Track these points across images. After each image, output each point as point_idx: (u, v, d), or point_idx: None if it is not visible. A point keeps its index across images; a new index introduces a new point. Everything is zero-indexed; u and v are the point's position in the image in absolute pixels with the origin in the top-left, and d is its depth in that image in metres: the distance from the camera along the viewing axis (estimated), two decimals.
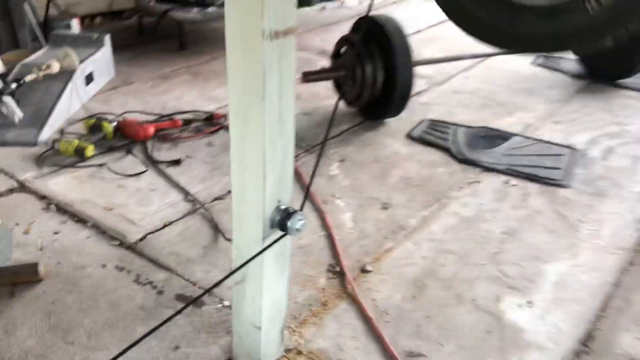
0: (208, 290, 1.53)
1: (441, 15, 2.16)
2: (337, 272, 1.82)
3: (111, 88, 3.13)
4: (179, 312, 1.19)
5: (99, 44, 3.13)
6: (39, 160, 2.35)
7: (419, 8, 4.94)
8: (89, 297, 1.67)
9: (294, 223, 1.24)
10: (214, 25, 4.11)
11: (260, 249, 1.25)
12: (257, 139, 1.16)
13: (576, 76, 3.49)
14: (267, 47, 1.06)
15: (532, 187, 2.32)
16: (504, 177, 2.38)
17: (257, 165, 1.19)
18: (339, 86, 2.78)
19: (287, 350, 1.52)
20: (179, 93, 3.10)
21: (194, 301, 1.62)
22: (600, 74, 3.42)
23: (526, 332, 1.62)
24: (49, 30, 3.40)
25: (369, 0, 5.23)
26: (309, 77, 2.62)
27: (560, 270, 1.87)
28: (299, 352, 1.53)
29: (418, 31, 4.25)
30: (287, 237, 1.29)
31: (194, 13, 3.68)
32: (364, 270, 1.84)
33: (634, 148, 2.66)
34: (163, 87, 3.18)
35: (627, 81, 3.35)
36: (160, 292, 1.70)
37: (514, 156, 2.51)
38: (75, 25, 3.57)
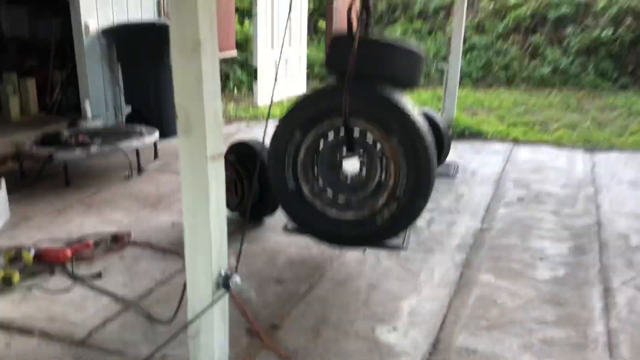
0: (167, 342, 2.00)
1: None
2: (254, 332, 2.37)
3: (12, 227, 3.43)
4: None
5: None
6: None
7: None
8: None
9: (234, 280, 1.83)
10: (94, 162, 4.60)
11: (210, 304, 1.81)
12: (205, 226, 1.76)
13: None
14: (209, 166, 1.71)
15: (382, 253, 3.10)
16: (361, 250, 3.14)
17: (205, 244, 1.78)
18: None
19: None
20: (79, 222, 3.51)
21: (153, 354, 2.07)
22: None
23: (396, 346, 2.30)
24: None
25: (227, 129, 6.05)
26: None
27: (411, 304, 2.61)
28: None
29: None
30: (226, 295, 1.87)
31: (77, 154, 4.15)
32: (274, 327, 2.41)
33: (447, 217, 3.62)
34: (62, 219, 3.57)
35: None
36: None
37: None
38: None
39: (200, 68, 1.62)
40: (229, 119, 6.44)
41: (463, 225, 3.50)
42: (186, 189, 1.76)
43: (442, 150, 4.38)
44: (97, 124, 5.42)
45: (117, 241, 3.16)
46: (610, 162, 4.81)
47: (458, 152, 5.01)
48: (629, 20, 7.68)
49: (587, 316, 2.51)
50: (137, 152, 4.45)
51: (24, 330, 2.36)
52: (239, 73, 7.63)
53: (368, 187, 2.83)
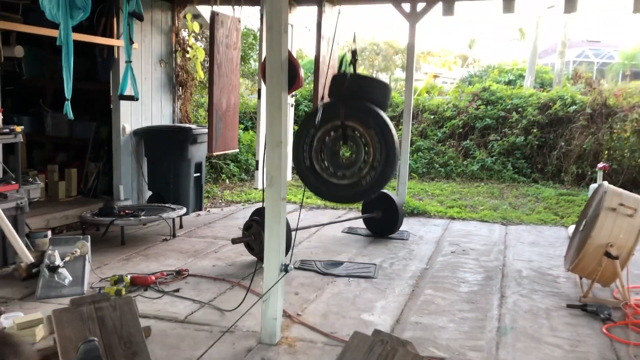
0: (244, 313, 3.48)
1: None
2: (287, 316, 3.84)
3: (97, 269, 4.82)
4: (221, 335, 3.20)
5: (85, 240, 4.89)
6: None
7: None
8: (179, 337, 3.45)
9: (289, 267, 3.38)
10: (135, 230, 6.04)
11: (277, 280, 3.34)
12: (277, 236, 3.33)
13: (367, 235, 6.15)
14: (281, 203, 3.31)
15: (361, 280, 4.65)
16: (346, 279, 4.69)
17: (276, 246, 3.34)
18: (249, 245, 4.96)
19: (281, 338, 3.49)
20: (144, 265, 4.93)
21: (230, 327, 3.53)
22: (379, 232, 6.12)
23: (374, 321, 3.82)
24: (29, 239, 5.04)
25: (227, 209, 7.60)
26: (235, 241, 4.79)
27: (382, 303, 4.15)
28: (286, 338, 3.51)
29: None
30: (285, 275, 3.40)
31: (132, 220, 5.62)
32: (298, 315, 3.90)
33: (403, 262, 5.22)
34: (130, 264, 4.98)
35: (393, 235, 6.09)
36: (210, 332, 3.55)
37: (349, 269, 4.87)
38: (50, 234, 5.26)
39: (280, 154, 3.27)
40: (227, 203, 8.01)
41: (414, 266, 5.11)
42: (268, 215, 3.34)
43: (398, 221, 6.08)
44: (128, 203, 6.91)
45: (180, 274, 4.62)
46: (519, 232, 6.59)
47: (409, 225, 6.70)
48: (535, 129, 9.89)
49: (488, 307, 4.11)
50: (173, 221, 5.95)
51: (142, 316, 3.77)
52: (231, 166, 9.30)
53: (356, 164, 4.43)
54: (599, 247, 4.12)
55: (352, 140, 4.51)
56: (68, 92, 4.36)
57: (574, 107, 9.60)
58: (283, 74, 3.24)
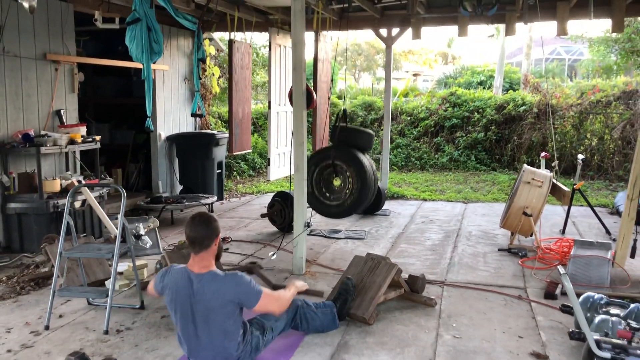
0: (279, 248, 5.28)
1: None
2: (307, 261, 5.64)
3: (160, 239, 6.57)
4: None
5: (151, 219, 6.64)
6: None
7: None
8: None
9: (310, 223, 5.18)
10: (176, 214, 7.80)
11: (302, 231, 5.13)
12: (301, 202, 5.13)
13: (358, 213, 7.97)
14: (303, 183, 5.11)
15: (355, 240, 6.46)
16: (345, 240, 6.49)
17: (301, 210, 5.14)
18: (272, 219, 6.75)
19: (305, 271, 5.29)
20: None
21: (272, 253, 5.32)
22: (367, 211, 7.93)
23: None
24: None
25: (243, 198, 9.35)
26: (264, 215, 6.57)
27: (372, 251, 5.96)
28: (308, 271, 5.31)
29: None
30: (307, 229, 5.21)
31: (178, 205, 7.36)
32: (314, 260, 5.70)
33: (385, 229, 7.05)
34: (184, 236, 6.72)
35: (378, 212, 7.91)
36: (261, 267, 5.33)
37: (346, 234, 6.68)
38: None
39: (303, 150, 5.07)
40: (242, 194, 9.78)
41: (393, 231, 6.94)
42: (296, 190, 5.13)
43: (381, 202, 7.90)
44: (166, 195, 8.65)
45: (225, 240, 6.40)
46: (475, 207, 8.46)
47: (390, 205, 8.54)
48: (493, 127, 11.79)
49: (444, 252, 5.95)
50: (209, 206, 7.71)
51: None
52: (242, 164, 11.07)
53: (342, 191, 6.27)
54: (519, 209, 5.98)
55: (341, 173, 6.38)
56: (149, 111, 6.07)
57: (524, 107, 11.52)
58: (303, 98, 5.04)
